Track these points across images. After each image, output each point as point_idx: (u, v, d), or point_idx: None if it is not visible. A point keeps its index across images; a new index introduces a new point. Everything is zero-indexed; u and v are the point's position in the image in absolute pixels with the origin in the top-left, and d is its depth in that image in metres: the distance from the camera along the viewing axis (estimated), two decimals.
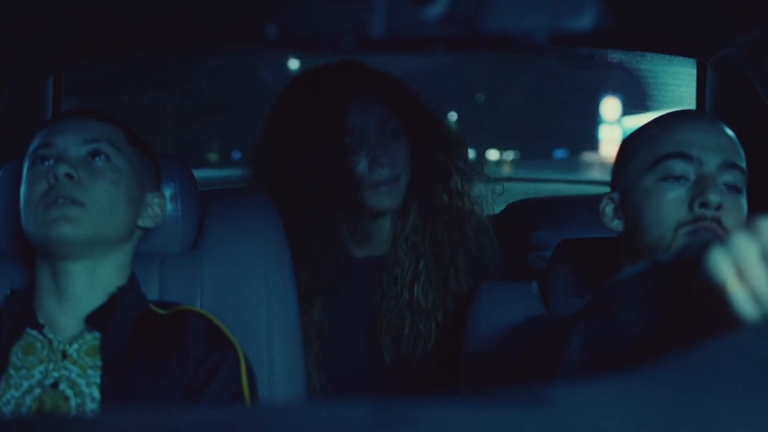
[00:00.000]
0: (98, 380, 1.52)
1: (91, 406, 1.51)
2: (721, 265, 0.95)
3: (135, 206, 1.63)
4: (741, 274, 0.94)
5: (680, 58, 2.48)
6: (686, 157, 1.52)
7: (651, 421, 0.52)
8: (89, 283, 1.58)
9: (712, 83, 2.34)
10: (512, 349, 1.42)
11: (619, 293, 1.15)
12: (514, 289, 1.92)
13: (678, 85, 2.80)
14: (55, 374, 1.53)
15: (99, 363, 1.54)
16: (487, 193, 2.18)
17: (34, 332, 1.57)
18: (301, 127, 2.02)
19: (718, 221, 1.48)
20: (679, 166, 1.52)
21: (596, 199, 1.72)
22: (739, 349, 0.62)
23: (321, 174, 1.98)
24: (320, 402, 0.54)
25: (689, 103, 2.48)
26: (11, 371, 1.53)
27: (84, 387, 1.52)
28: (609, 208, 1.63)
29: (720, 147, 1.53)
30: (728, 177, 1.52)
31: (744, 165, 1.55)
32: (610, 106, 9.54)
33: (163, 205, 1.70)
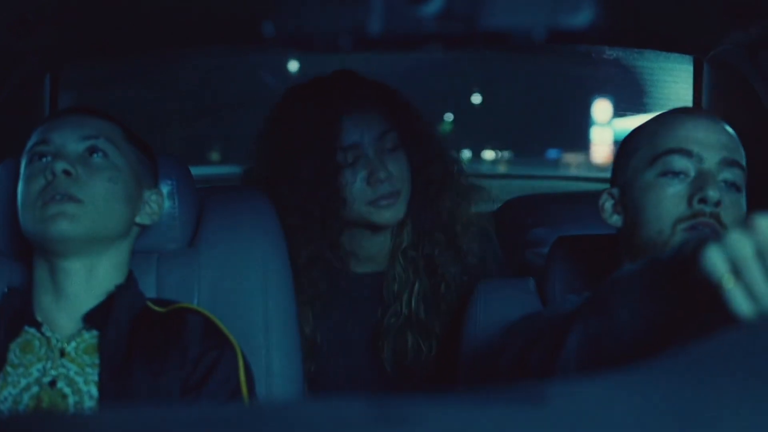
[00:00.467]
0: (96, 378, 1.52)
1: (89, 403, 1.51)
2: (717, 262, 0.95)
3: (132, 203, 1.63)
4: (736, 271, 0.94)
5: (677, 55, 2.48)
6: (686, 153, 1.52)
7: (647, 418, 0.52)
8: (87, 282, 1.58)
9: (709, 80, 2.34)
10: (510, 347, 1.42)
11: (617, 291, 1.15)
12: (511, 286, 1.92)
13: (674, 82, 2.80)
14: (53, 372, 1.53)
15: (97, 361, 1.54)
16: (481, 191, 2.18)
17: (32, 330, 1.57)
18: (296, 142, 2.00)
19: (716, 217, 1.48)
20: (679, 162, 1.52)
21: (593, 195, 1.72)
22: (734, 345, 0.62)
23: (317, 190, 1.96)
24: (318, 399, 0.54)
25: (685, 100, 2.48)
26: (9, 369, 1.53)
27: (82, 385, 1.52)
28: (608, 204, 1.63)
29: (720, 144, 1.53)
30: (728, 174, 1.52)
31: (744, 163, 1.55)
32: (601, 109, 9.56)
33: (161, 202, 1.70)
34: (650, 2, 1.99)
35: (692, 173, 1.52)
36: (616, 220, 1.62)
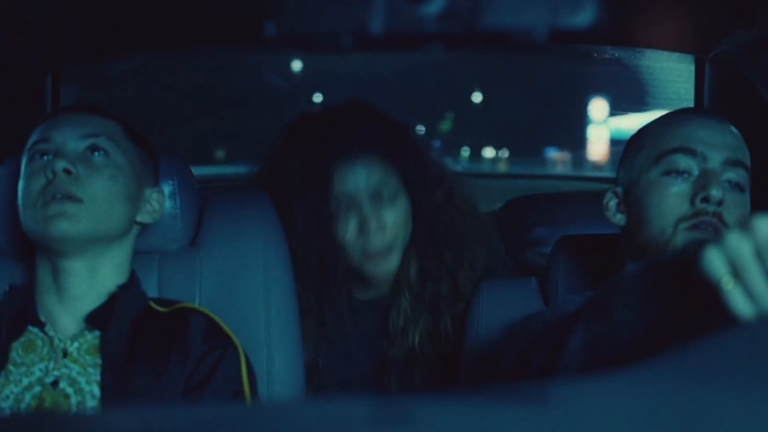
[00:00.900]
0: (98, 378, 1.52)
1: (91, 403, 1.51)
2: (716, 263, 0.95)
3: (133, 202, 1.63)
4: (736, 272, 0.94)
5: (675, 54, 2.48)
6: (691, 152, 1.52)
7: (648, 418, 0.53)
8: (89, 283, 1.58)
9: (711, 80, 2.34)
10: (512, 347, 1.42)
11: (618, 293, 1.15)
12: (513, 285, 1.92)
13: (670, 81, 2.80)
14: (56, 373, 1.53)
15: (99, 361, 1.54)
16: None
17: (35, 330, 1.57)
18: (291, 186, 1.93)
19: (719, 217, 1.48)
20: (683, 161, 1.52)
21: (595, 195, 1.72)
22: (734, 346, 0.62)
23: (312, 240, 1.90)
24: (320, 399, 0.54)
25: (683, 98, 2.49)
26: (11, 368, 1.53)
27: (84, 385, 1.52)
28: (612, 203, 1.64)
29: (725, 144, 1.54)
30: (732, 174, 1.52)
31: (749, 164, 1.55)
32: (597, 107, 9.63)
33: (162, 200, 1.70)
34: (652, 2, 1.99)
35: (696, 172, 1.52)
36: (619, 218, 1.63)
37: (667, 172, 1.53)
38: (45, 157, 1.58)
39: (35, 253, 1.61)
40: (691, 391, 0.56)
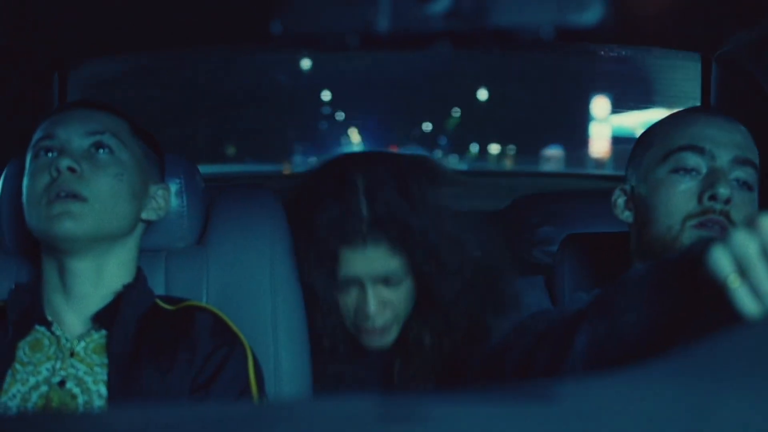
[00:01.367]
0: (105, 377, 1.52)
1: (98, 403, 1.51)
2: (722, 261, 0.95)
3: (138, 200, 1.62)
4: (742, 271, 0.94)
5: (677, 51, 2.48)
6: (699, 150, 1.52)
7: (654, 416, 0.53)
8: (95, 282, 1.58)
9: (717, 78, 2.34)
10: (518, 345, 1.42)
11: (625, 293, 1.15)
12: (520, 284, 1.92)
13: (678, 79, 2.80)
14: (63, 373, 1.53)
15: (106, 361, 1.53)
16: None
17: (42, 329, 1.57)
18: (299, 256, 1.85)
19: (726, 215, 1.48)
20: (691, 159, 1.53)
21: (601, 193, 1.72)
22: (740, 344, 0.62)
23: (322, 317, 1.83)
24: (327, 397, 0.54)
25: (685, 96, 2.48)
26: (18, 366, 1.53)
27: (91, 384, 1.52)
28: (621, 200, 1.64)
29: (733, 143, 1.54)
30: (740, 173, 1.52)
31: (758, 163, 1.55)
32: (599, 105, 9.68)
33: (167, 197, 1.69)
34: (659, 1, 1.99)
35: (704, 171, 1.52)
36: (627, 216, 1.63)
37: (675, 170, 1.54)
38: (50, 154, 1.57)
39: (40, 251, 1.61)
40: (698, 390, 0.56)
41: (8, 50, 2.04)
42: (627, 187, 1.63)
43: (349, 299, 1.84)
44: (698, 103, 2.42)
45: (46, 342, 1.56)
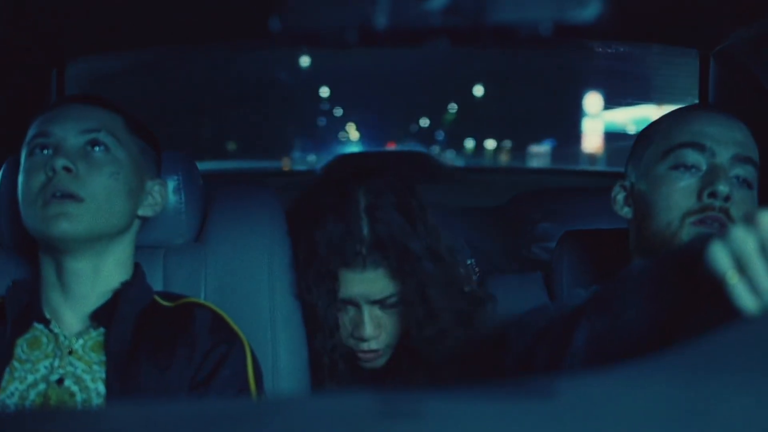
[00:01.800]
0: (103, 375, 1.51)
1: (96, 401, 1.50)
2: (721, 257, 0.95)
3: (134, 196, 1.61)
4: (741, 267, 0.94)
5: (672, 48, 2.48)
6: (699, 147, 1.53)
7: (653, 412, 0.53)
8: (93, 281, 1.57)
9: (715, 74, 2.34)
10: (517, 341, 1.42)
11: (624, 289, 1.15)
12: (518, 280, 1.92)
13: (673, 75, 2.80)
14: (61, 371, 1.52)
15: (104, 358, 1.53)
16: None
17: (40, 326, 1.56)
18: (299, 271, 1.83)
19: (726, 212, 1.48)
20: (691, 156, 1.53)
21: (600, 190, 1.72)
22: (739, 340, 0.63)
23: (321, 336, 1.82)
24: (325, 394, 0.54)
25: (686, 94, 2.49)
26: (15, 364, 1.52)
27: (89, 382, 1.52)
28: (620, 196, 1.64)
29: (734, 140, 1.54)
30: (740, 170, 1.53)
31: (757, 161, 1.55)
32: (592, 101, 9.74)
33: (164, 192, 1.69)
34: None
35: (704, 168, 1.52)
36: (626, 212, 1.63)
37: (675, 167, 1.54)
38: (45, 151, 1.56)
39: (38, 248, 1.60)
40: (696, 386, 0.56)
41: (6, 46, 2.04)
42: (627, 183, 1.64)
43: (346, 318, 1.82)
44: (693, 99, 2.43)
45: (44, 340, 1.55)
